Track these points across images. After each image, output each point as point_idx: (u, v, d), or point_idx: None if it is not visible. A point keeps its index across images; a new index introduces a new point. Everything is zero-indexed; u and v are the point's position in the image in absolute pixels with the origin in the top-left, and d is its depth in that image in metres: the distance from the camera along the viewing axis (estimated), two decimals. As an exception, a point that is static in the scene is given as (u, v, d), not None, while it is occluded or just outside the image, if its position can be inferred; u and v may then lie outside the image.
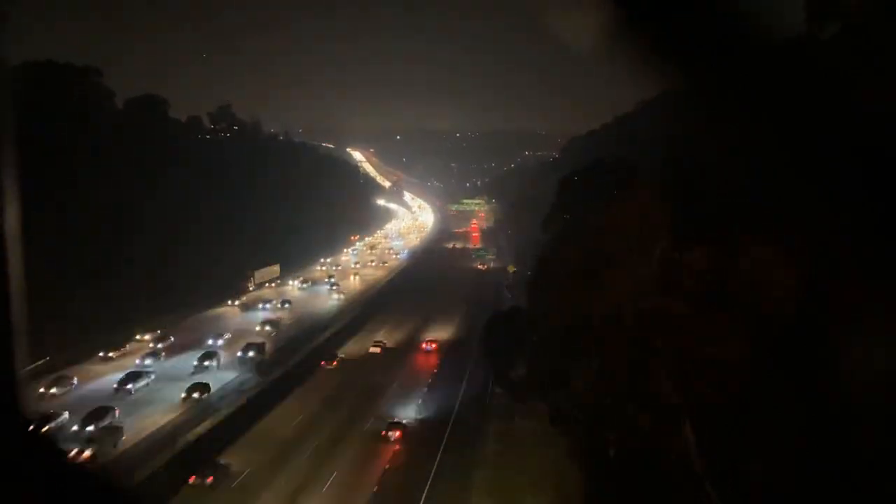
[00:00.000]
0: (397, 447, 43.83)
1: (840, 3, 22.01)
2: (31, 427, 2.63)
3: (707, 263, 23.39)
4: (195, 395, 46.79)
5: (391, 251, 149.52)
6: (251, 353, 57.87)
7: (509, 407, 46.76)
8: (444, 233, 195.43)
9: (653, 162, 36.47)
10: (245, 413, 46.30)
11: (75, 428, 40.17)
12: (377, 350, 67.63)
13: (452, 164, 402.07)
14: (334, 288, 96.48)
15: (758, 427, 21.31)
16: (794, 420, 19.49)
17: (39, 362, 49.71)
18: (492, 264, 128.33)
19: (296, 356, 61.19)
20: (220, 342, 63.45)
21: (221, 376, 52.75)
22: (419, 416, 49.87)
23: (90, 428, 40.13)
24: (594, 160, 50.92)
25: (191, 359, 56.85)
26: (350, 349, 68.84)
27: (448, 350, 68.65)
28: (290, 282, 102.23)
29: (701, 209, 23.01)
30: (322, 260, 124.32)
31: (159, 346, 60.94)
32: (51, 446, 2.63)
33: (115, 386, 48.55)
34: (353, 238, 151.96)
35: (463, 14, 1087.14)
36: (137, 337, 62.70)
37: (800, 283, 16.53)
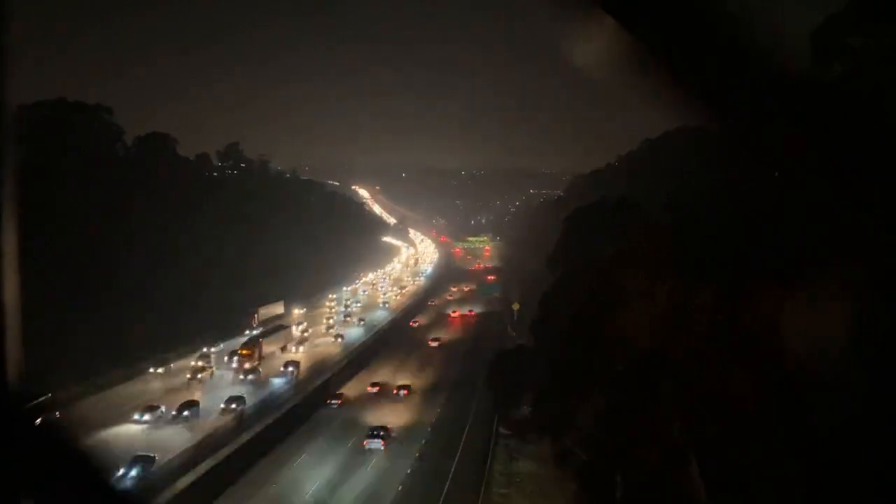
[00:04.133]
0: None
1: (846, 44, 22.28)
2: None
3: (715, 303, 23.25)
4: None
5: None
6: None
7: (514, 448, 46.08)
8: (445, 276, 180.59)
9: (658, 200, 36.55)
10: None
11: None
12: None
13: (457, 202, 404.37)
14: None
15: (764, 465, 20.95)
16: (798, 458, 19.15)
17: (42, 399, 49.44)
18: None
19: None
20: None
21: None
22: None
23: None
24: (599, 198, 51.13)
25: None
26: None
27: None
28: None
29: (708, 249, 22.95)
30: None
31: None
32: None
33: None
34: (360, 275, 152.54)
35: (470, 53, 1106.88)
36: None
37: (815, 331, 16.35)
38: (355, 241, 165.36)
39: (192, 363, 63.84)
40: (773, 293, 20.51)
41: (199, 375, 60.92)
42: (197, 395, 54.92)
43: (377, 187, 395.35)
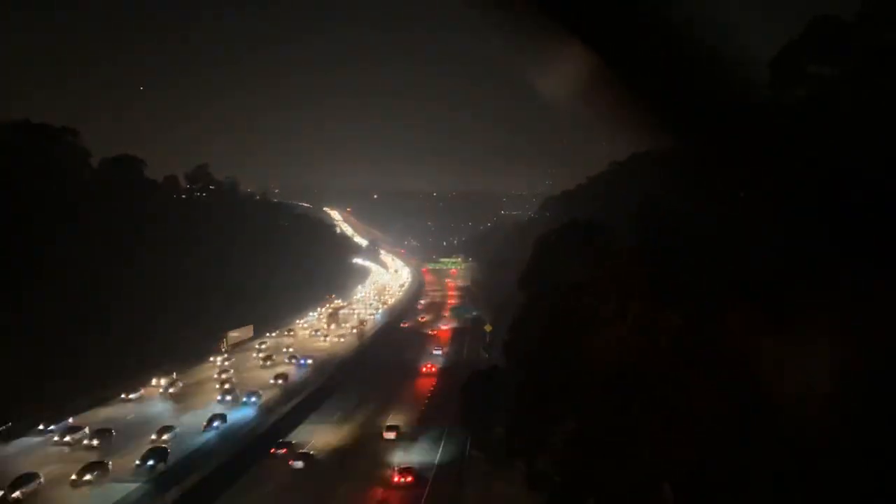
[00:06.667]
0: None
1: (806, 71, 22.95)
2: None
3: (683, 324, 23.43)
4: None
5: None
6: None
7: (487, 470, 45.63)
8: (415, 303, 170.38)
9: (627, 221, 36.93)
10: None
11: None
12: None
13: (429, 223, 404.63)
14: None
15: (735, 486, 21.04)
16: (768, 476, 19.26)
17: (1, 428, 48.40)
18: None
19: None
20: None
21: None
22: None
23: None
24: (569, 220, 51.42)
25: None
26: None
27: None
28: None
29: (675, 270, 23.19)
30: None
31: None
32: None
33: None
34: (329, 296, 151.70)
35: (441, 75, 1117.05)
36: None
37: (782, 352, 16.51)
38: (325, 263, 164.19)
39: None
40: (741, 313, 20.75)
41: None
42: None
43: (349, 209, 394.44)
